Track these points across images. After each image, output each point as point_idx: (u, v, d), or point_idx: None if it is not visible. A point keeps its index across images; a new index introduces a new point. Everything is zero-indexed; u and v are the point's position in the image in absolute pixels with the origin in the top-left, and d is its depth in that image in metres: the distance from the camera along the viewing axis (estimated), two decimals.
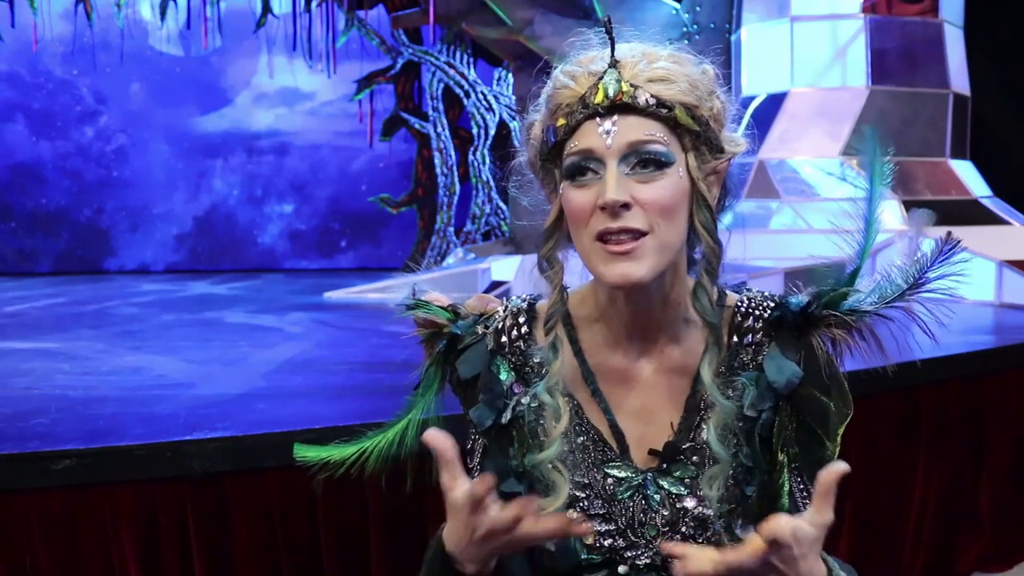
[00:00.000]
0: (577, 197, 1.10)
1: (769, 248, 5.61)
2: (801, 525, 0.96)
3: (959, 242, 1.09)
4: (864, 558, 3.10)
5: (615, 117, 1.08)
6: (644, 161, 1.08)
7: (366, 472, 1.20)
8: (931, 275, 1.09)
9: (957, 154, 6.98)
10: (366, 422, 1.27)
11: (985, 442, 3.45)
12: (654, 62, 1.10)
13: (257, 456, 2.25)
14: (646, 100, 1.08)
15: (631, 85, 1.08)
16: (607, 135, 1.08)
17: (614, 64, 1.09)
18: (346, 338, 4.95)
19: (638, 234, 1.08)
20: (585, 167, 1.09)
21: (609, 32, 1.10)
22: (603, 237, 1.08)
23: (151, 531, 2.17)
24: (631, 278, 1.08)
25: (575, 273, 1.17)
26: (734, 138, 1.17)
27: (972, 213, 6.52)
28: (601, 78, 1.09)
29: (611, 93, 1.08)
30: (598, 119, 1.09)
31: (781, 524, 0.95)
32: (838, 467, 0.99)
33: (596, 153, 1.09)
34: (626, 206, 1.07)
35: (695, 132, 1.10)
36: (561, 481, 1.15)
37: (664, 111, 1.08)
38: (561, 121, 1.11)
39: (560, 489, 1.15)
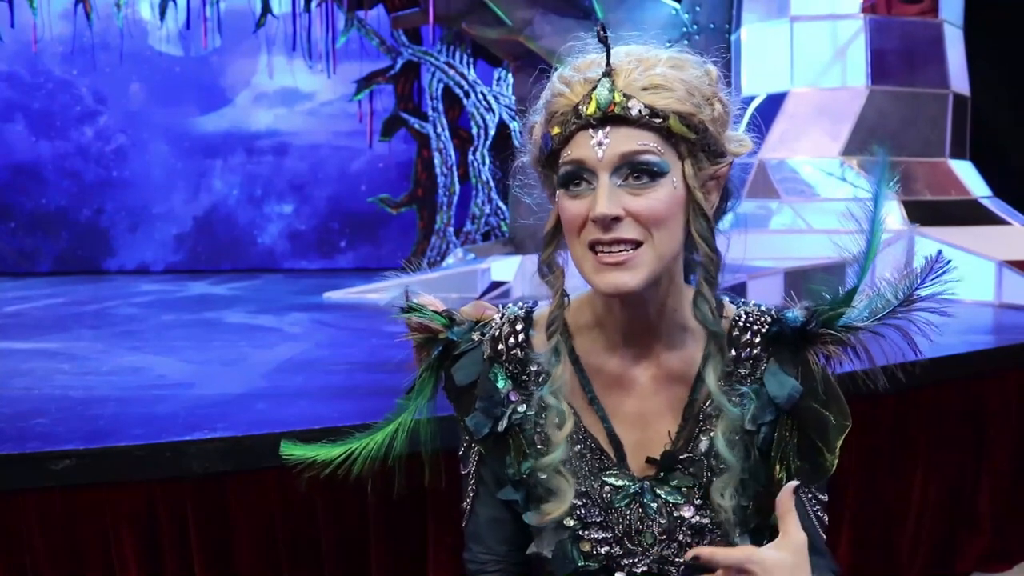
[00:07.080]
0: (571, 207, 1.10)
1: (769, 248, 5.60)
2: (757, 552, 0.99)
3: (949, 262, 1.10)
4: (864, 558, 3.10)
5: (607, 128, 1.07)
6: (637, 172, 1.07)
7: (353, 474, 1.19)
8: (921, 293, 1.10)
9: (957, 154, 6.97)
10: (365, 423, 1.27)
11: (985, 442, 3.44)
12: (651, 68, 1.08)
13: (257, 456, 2.24)
14: (639, 111, 1.07)
15: (624, 95, 1.07)
16: (599, 147, 1.07)
17: (609, 72, 1.08)
18: (346, 338, 4.94)
19: (634, 244, 1.07)
20: (578, 177, 1.09)
21: (604, 40, 1.09)
22: (594, 247, 1.08)
23: (151, 531, 2.16)
24: (623, 288, 1.08)
25: (576, 277, 1.16)
26: (739, 138, 1.16)
27: (972, 213, 6.51)
28: (594, 88, 1.08)
29: (603, 104, 1.07)
30: (591, 130, 1.08)
31: (733, 554, 1.00)
32: (789, 485, 1.03)
33: (588, 164, 1.08)
34: (617, 219, 1.06)
35: (691, 140, 1.09)
36: (565, 486, 1.15)
37: (657, 121, 1.07)
38: (556, 130, 1.11)
39: (565, 494, 1.15)
